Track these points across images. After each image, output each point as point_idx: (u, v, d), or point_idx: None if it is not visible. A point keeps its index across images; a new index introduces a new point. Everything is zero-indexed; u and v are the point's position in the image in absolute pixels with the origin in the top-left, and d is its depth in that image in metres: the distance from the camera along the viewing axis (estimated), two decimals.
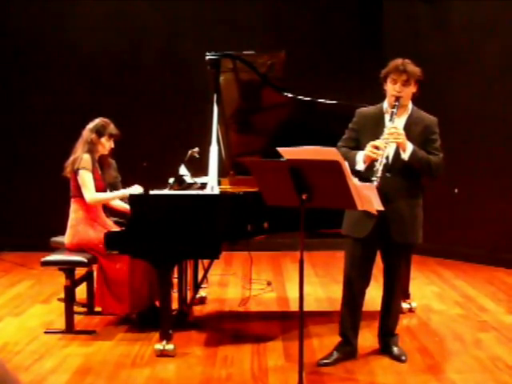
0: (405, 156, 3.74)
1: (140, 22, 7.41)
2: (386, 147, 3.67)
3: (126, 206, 4.86)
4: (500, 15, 6.48)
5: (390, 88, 3.81)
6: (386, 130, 3.72)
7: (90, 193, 4.61)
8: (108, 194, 4.76)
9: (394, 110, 3.76)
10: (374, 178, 3.57)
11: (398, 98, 3.77)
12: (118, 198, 4.81)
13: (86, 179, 4.60)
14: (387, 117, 3.85)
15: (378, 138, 3.74)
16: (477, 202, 6.73)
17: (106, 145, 4.76)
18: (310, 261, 6.62)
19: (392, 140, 3.69)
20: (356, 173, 3.78)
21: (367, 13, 7.47)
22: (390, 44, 7.23)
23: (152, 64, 7.43)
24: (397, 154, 3.78)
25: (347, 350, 4.04)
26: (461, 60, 6.76)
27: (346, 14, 7.46)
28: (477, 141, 6.68)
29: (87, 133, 4.71)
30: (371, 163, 3.70)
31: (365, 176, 3.68)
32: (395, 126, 3.74)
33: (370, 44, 7.38)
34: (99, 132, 4.71)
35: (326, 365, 3.95)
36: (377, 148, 3.65)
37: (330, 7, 7.42)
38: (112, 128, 4.76)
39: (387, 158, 3.77)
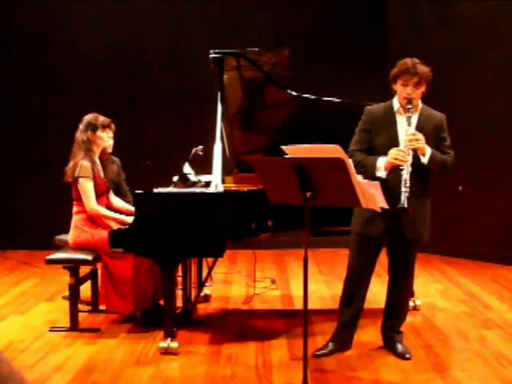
0: (424, 160, 3.70)
1: (143, 21, 7.41)
2: (409, 154, 3.62)
3: (128, 207, 4.86)
4: (504, 12, 6.46)
5: (402, 90, 3.76)
6: (406, 137, 3.67)
7: (91, 202, 4.57)
8: (108, 213, 4.67)
9: (410, 115, 3.71)
10: (403, 190, 3.52)
11: (410, 101, 3.73)
12: (117, 221, 4.65)
13: (87, 188, 4.57)
14: (399, 117, 3.82)
15: (390, 138, 3.73)
16: (481, 199, 6.72)
17: (104, 136, 4.72)
18: (315, 259, 6.61)
19: (413, 146, 3.64)
20: (376, 179, 3.66)
21: (372, 11, 7.46)
22: (394, 42, 7.22)
23: (156, 62, 7.43)
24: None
25: (343, 340, 4.07)
26: (465, 57, 6.75)
27: (351, 12, 7.45)
28: (482, 137, 6.66)
29: (81, 134, 4.67)
30: (392, 170, 3.68)
31: (385, 183, 3.60)
32: (413, 131, 3.70)
33: (375, 42, 7.37)
34: (92, 127, 4.67)
35: (322, 355, 3.98)
36: (400, 157, 3.61)
37: (335, 5, 7.42)
38: (102, 119, 4.72)
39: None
